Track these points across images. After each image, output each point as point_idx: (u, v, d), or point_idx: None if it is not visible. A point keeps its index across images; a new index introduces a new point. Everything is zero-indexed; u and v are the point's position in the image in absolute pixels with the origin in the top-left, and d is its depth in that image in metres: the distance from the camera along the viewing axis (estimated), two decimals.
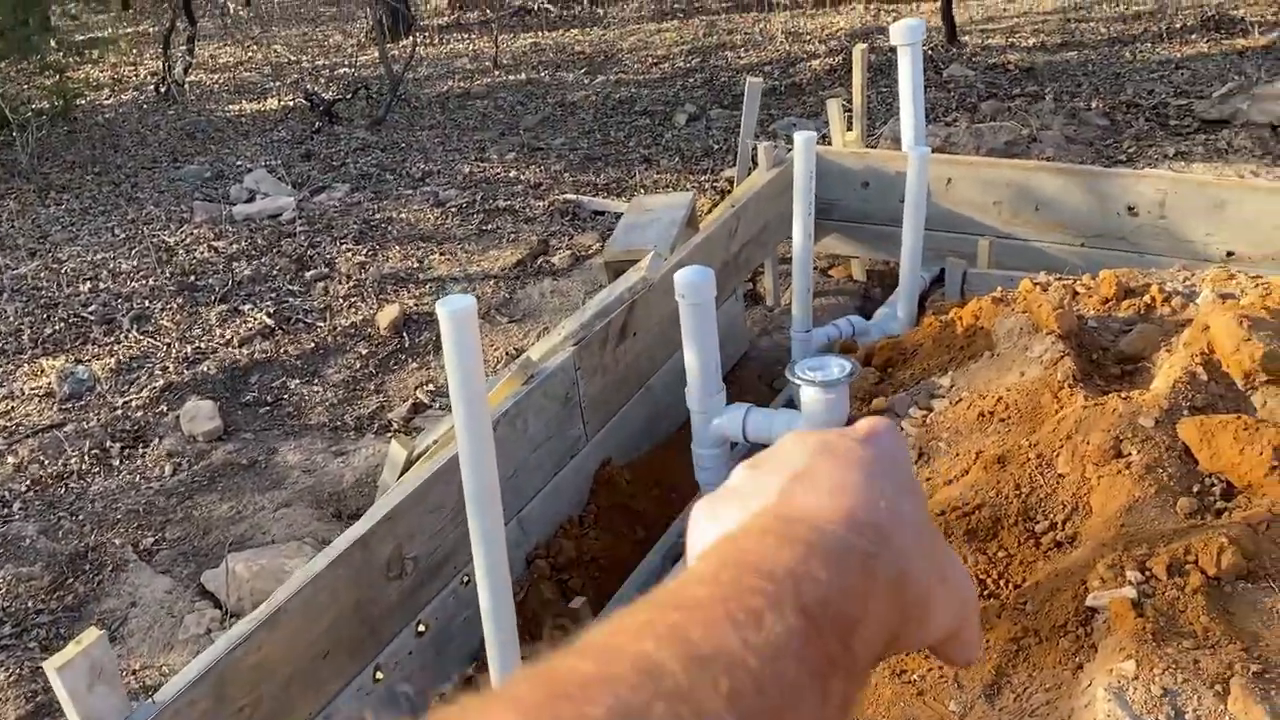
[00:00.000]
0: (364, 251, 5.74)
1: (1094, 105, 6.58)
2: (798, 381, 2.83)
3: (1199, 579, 1.95)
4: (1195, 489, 2.21)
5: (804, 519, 0.46)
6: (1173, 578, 1.97)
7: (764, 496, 0.49)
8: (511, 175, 6.71)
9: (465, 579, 2.77)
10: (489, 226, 5.91)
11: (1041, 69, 7.78)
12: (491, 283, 5.24)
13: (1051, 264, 4.46)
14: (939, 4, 8.78)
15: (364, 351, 4.79)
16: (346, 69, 10.15)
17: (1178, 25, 8.75)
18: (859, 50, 4.82)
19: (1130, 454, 2.26)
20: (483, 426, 1.92)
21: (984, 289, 4.11)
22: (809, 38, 9.53)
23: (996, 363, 2.80)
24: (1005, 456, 2.41)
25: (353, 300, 5.23)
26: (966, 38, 8.87)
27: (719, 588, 0.41)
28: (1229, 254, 4.14)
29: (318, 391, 4.56)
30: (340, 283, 5.42)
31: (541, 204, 6.11)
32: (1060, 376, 2.55)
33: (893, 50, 4.58)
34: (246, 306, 5.20)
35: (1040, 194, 4.38)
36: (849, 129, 4.94)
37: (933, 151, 5.90)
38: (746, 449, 3.36)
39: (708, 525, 0.51)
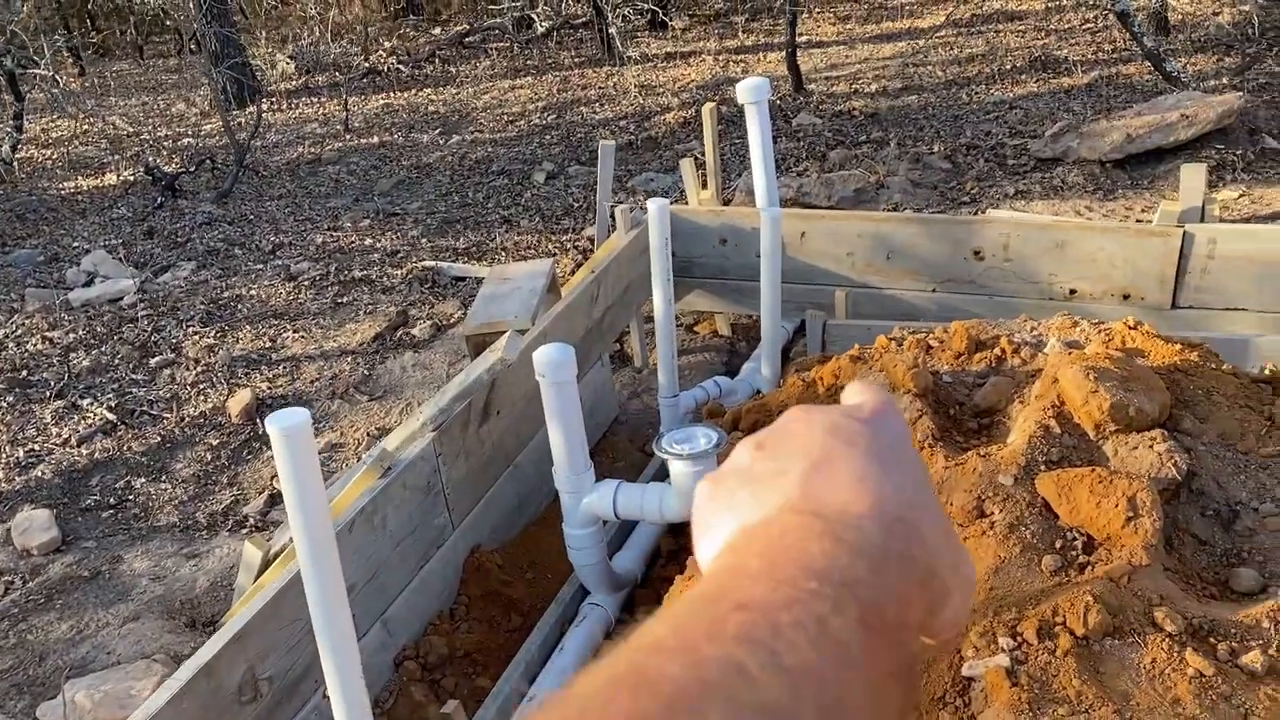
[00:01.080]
0: (212, 333, 5.47)
1: (936, 149, 6.82)
2: (665, 456, 2.78)
3: (1068, 640, 1.95)
4: (1058, 544, 2.23)
5: (838, 517, 0.45)
6: (1043, 641, 1.97)
7: (782, 485, 0.48)
8: (367, 243, 6.53)
9: (327, 694, 2.59)
10: (345, 299, 5.72)
11: (885, 114, 8.06)
12: (349, 359, 5.04)
13: (907, 310, 4.57)
14: (784, 54, 9.03)
15: (215, 442, 4.53)
16: (190, 140, 9.78)
17: (1008, 66, 9.21)
18: (708, 109, 4.86)
19: (993, 513, 2.27)
20: (326, 551, 1.78)
21: (844, 339, 4.18)
22: (662, 90, 9.66)
23: None
24: None
25: (201, 387, 4.96)
26: (813, 86, 9.13)
27: (777, 589, 0.40)
28: (1072, 291, 4.31)
29: (166, 489, 4.28)
30: (187, 369, 5.14)
31: (399, 272, 5.96)
32: (920, 436, 2.56)
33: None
34: (85, 401, 4.87)
35: (891, 243, 4.49)
36: (704, 186, 4.97)
37: (788, 201, 6.02)
38: (618, 524, 3.29)
39: (720, 511, 0.50)
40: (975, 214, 5.74)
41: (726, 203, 6.10)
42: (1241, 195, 5.80)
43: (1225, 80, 7.87)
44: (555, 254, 5.96)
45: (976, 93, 8.50)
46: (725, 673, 0.36)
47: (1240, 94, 6.60)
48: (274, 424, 1.74)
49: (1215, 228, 4.06)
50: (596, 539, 3.00)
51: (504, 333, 3.69)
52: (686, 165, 4.77)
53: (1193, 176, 4.04)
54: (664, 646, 0.38)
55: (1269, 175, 6.08)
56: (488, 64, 11.74)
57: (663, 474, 2.97)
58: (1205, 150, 6.23)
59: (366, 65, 11.74)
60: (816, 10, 12.65)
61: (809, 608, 0.39)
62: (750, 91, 4.70)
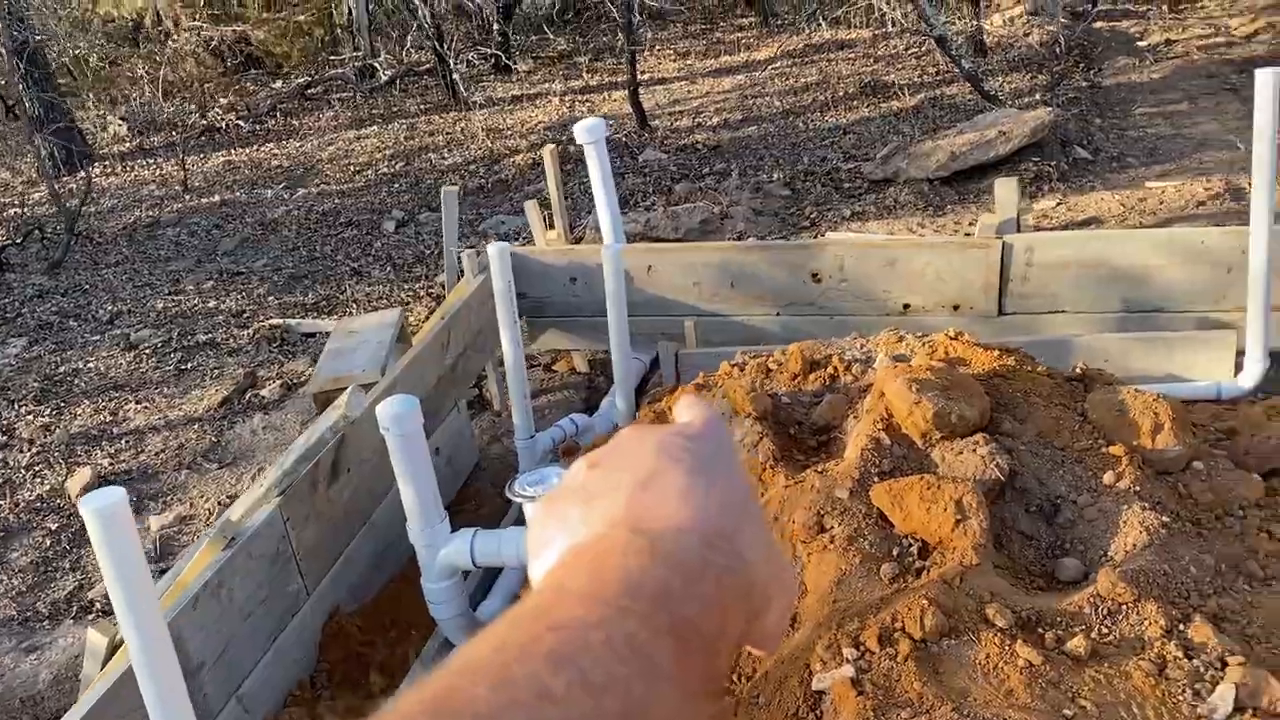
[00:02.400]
0: (47, 411, 5.19)
1: (776, 177, 7.05)
2: (517, 499, 2.77)
3: (908, 645, 2.02)
4: (895, 552, 2.32)
5: (660, 533, 0.46)
6: (885, 648, 2.04)
7: (611, 503, 0.49)
8: (211, 305, 6.32)
9: None
10: (189, 365, 5.52)
11: (727, 146, 8.28)
12: (196, 427, 4.86)
13: (755, 335, 4.69)
14: (627, 93, 9.19)
15: (54, 526, 4.29)
16: (16, 210, 9.30)
17: (841, 93, 9.60)
18: (548, 152, 4.92)
19: (832, 527, 2.35)
20: (154, 634, 1.72)
21: (696, 367, 4.24)
22: (510, 133, 9.70)
23: None
24: None
25: (37, 469, 4.70)
26: (657, 122, 9.32)
27: (592, 608, 0.41)
28: (906, 306, 4.50)
29: (1, 580, 4.03)
30: (21, 451, 4.87)
31: (246, 333, 5.79)
32: (762, 458, 2.63)
33: None
34: None
35: (733, 271, 4.60)
36: (551, 227, 5.01)
37: (636, 236, 6.11)
38: (482, 573, 3.26)
39: (553, 528, 0.51)
40: (815, 237, 5.94)
41: (579, 240, 6.16)
42: (1059, 203, 6.18)
43: (1038, 96, 8.39)
44: (408, 302, 5.90)
45: (812, 120, 8.82)
46: (530, 692, 0.37)
47: (1050, 109, 7.05)
48: (87, 505, 1.67)
49: (1031, 237, 4.31)
50: (456, 591, 2.97)
51: (362, 385, 3.64)
52: (530, 208, 4.81)
53: (1006, 190, 4.29)
54: (478, 667, 0.39)
55: (1081, 183, 6.50)
56: (331, 115, 11.56)
57: (518, 527, 2.96)
58: (1023, 163, 6.62)
59: (204, 123, 11.41)
60: (658, 48, 12.93)
61: (620, 624, 0.41)
62: (587, 132, 4.78)
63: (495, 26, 12.08)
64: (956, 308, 4.43)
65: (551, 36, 13.50)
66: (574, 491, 0.53)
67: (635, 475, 0.51)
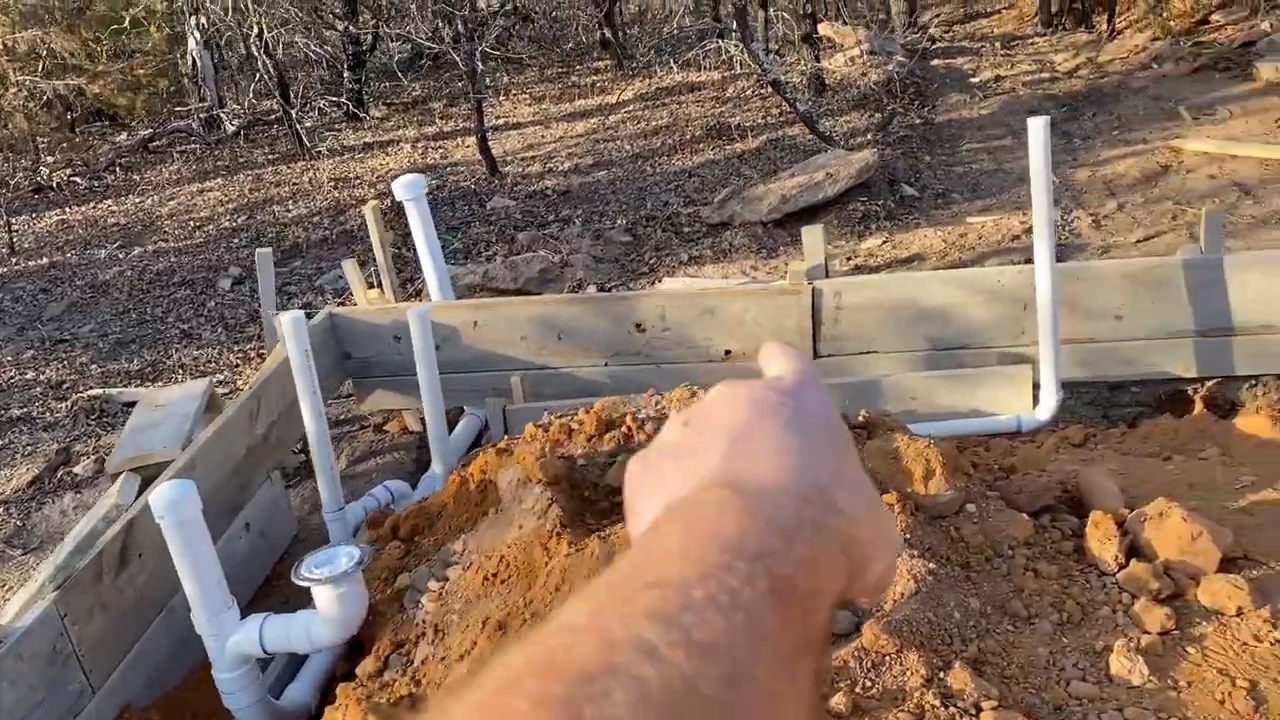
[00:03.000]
0: None
1: (619, 223, 7.12)
2: (303, 583, 2.69)
3: None
4: None
5: (756, 490, 0.46)
6: None
7: (706, 460, 0.49)
8: (28, 377, 6.01)
9: None
10: None
11: (577, 191, 8.33)
12: (0, 510, 4.60)
13: (584, 387, 4.69)
14: (476, 139, 9.18)
15: None
16: None
17: (688, 136, 9.77)
18: (369, 209, 4.85)
19: None
20: None
21: (525, 422, 4.22)
22: (359, 182, 9.56)
23: (501, 518, 2.83)
24: (506, 621, 2.41)
25: None
26: (509, 168, 9.32)
27: (691, 565, 0.41)
28: (727, 352, 4.58)
29: None
30: None
31: (63, 405, 5.52)
32: (550, 526, 2.62)
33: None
34: None
35: (559, 324, 4.61)
36: (373, 285, 4.94)
37: (475, 287, 6.08)
38: (282, 660, 3.15)
39: (651, 486, 0.51)
40: (653, 283, 6.01)
41: (417, 294, 6.10)
42: (885, 241, 6.40)
43: (870, 136, 8.70)
44: (238, 365, 5.72)
45: (660, 163, 8.95)
46: (634, 651, 0.36)
47: (875, 150, 7.31)
48: None
49: (839, 281, 4.44)
50: (250, 679, 2.86)
51: (161, 463, 3.50)
52: (349, 267, 4.73)
53: (813, 237, 4.41)
54: (576, 626, 0.38)
55: (907, 220, 6.75)
56: (175, 168, 11.21)
57: (309, 609, 2.87)
58: (852, 203, 6.84)
59: (36, 181, 10.91)
60: (514, 92, 12.97)
61: (722, 582, 0.40)
62: (406, 189, 4.74)
63: (346, 74, 11.95)
64: None
65: (406, 82, 13.41)
66: (668, 450, 0.52)
67: (730, 432, 0.50)
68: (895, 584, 2.42)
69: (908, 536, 2.53)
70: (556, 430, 3.13)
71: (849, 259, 6.26)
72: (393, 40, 13.74)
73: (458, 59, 9.03)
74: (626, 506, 0.54)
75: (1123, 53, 11.89)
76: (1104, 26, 13.41)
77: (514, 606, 2.44)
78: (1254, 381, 4.26)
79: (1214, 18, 12.92)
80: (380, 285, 4.97)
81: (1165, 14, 12.95)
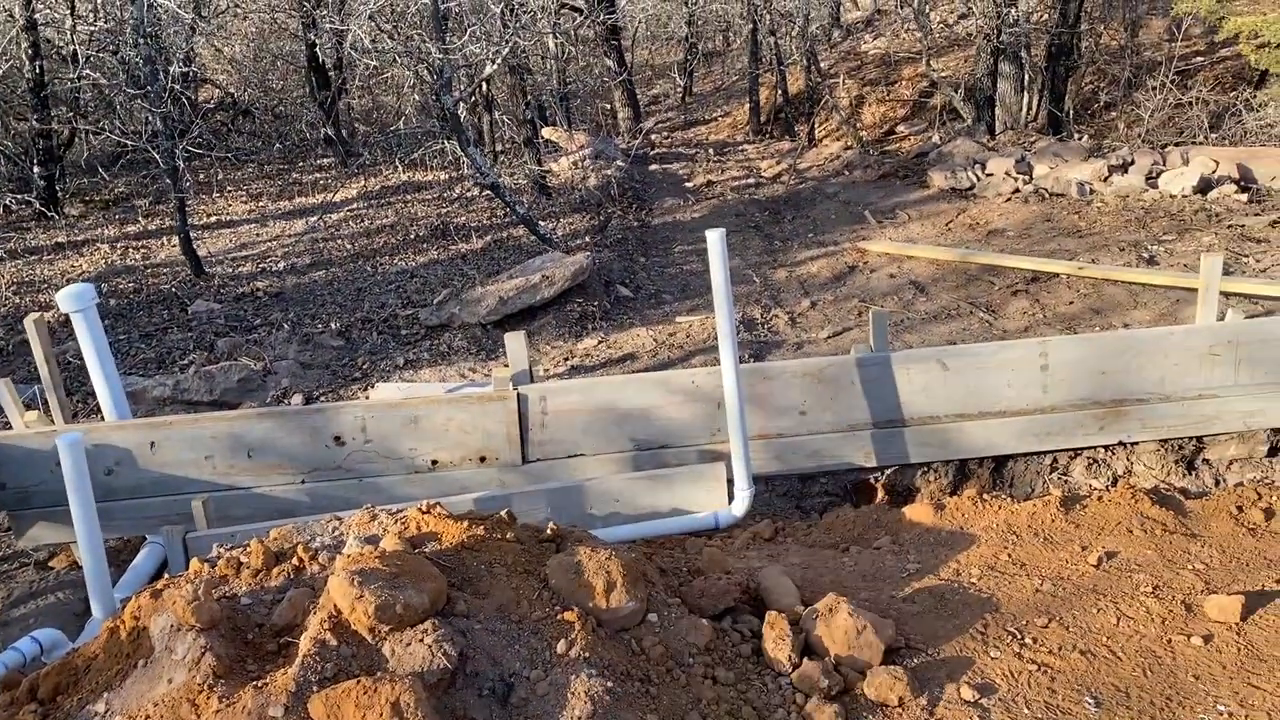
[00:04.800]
0: None
1: (333, 326, 6.86)
2: None
3: None
4: None
5: None
6: None
7: None
8: None
9: None
10: None
11: (290, 293, 7.98)
12: None
13: (281, 506, 4.41)
14: (180, 239, 8.64)
15: None
16: None
17: (413, 236, 9.65)
18: (30, 322, 4.40)
19: None
20: None
21: (210, 549, 3.90)
22: (45, 286, 8.73)
23: (150, 671, 2.54)
24: None
25: None
26: (217, 269, 8.82)
27: None
28: (434, 462, 4.45)
29: None
30: None
31: None
32: (200, 679, 2.38)
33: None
34: None
35: (249, 440, 4.33)
36: (34, 406, 4.46)
37: (165, 400, 5.63)
38: None
39: None
40: (366, 389, 5.80)
41: (98, 412, 5.56)
42: (600, 341, 6.52)
43: (590, 238, 8.93)
44: None
45: (381, 264, 8.77)
46: None
47: (589, 253, 7.50)
48: None
49: (544, 386, 4.45)
50: None
51: None
52: (4, 386, 4.24)
53: (516, 344, 4.41)
54: None
55: (622, 320, 6.92)
56: None
57: None
58: (569, 304, 6.95)
59: None
60: (230, 189, 12.40)
61: None
62: (73, 300, 4.35)
63: (36, 169, 10.99)
64: (484, 459, 4.44)
65: (108, 179, 12.52)
66: None
67: None
68: (573, 708, 2.37)
69: (587, 655, 2.49)
70: (224, 565, 2.89)
71: (566, 359, 6.32)
72: (90, 135, 12.86)
73: (157, 156, 8.52)
74: None
75: (820, 160, 12.99)
76: (804, 136, 14.61)
77: None
78: (926, 468, 4.62)
79: (899, 129, 14.41)
80: (44, 406, 4.49)
81: (857, 125, 14.30)
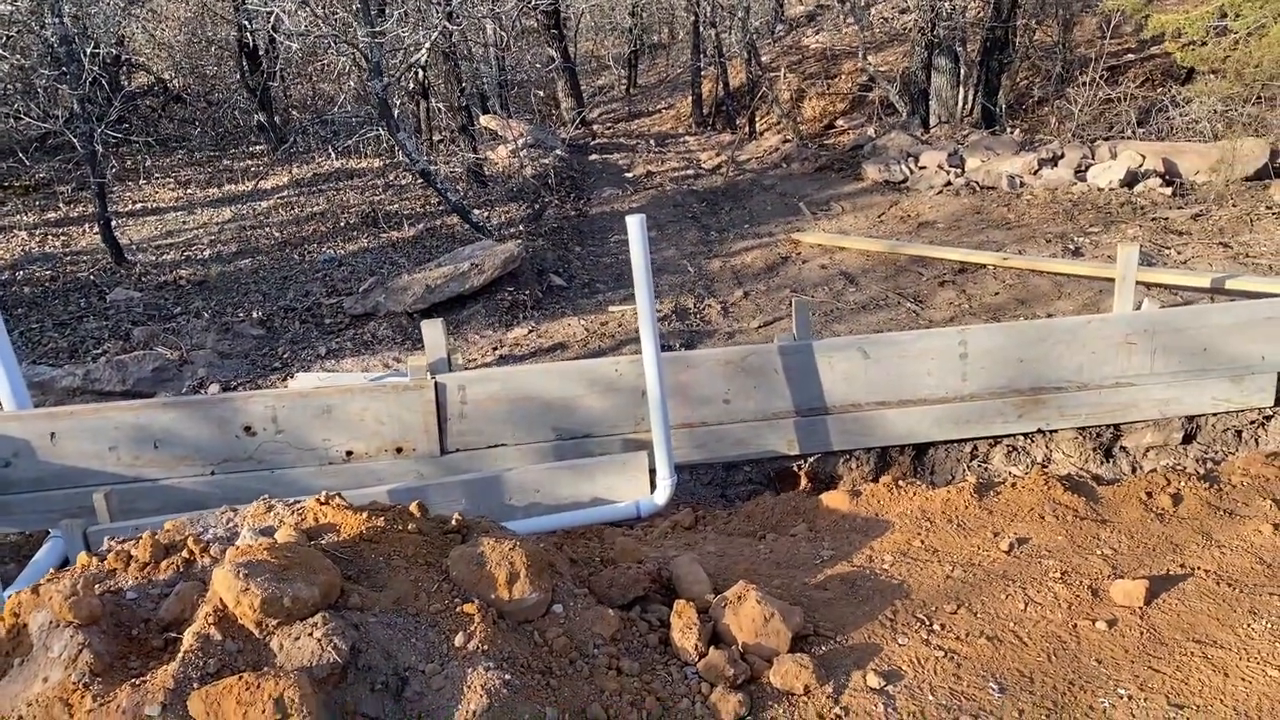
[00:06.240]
0: None
1: (254, 315, 6.70)
2: None
3: None
4: None
5: None
6: None
7: None
8: None
9: None
10: None
11: (214, 281, 7.79)
12: None
13: (190, 499, 4.27)
14: (100, 226, 8.38)
15: None
16: None
17: (344, 224, 9.47)
18: None
19: None
20: None
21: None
22: None
23: (27, 669, 2.43)
24: None
25: None
26: (140, 256, 8.58)
27: None
28: (349, 453, 4.34)
29: None
30: None
31: None
32: (76, 677, 2.27)
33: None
34: None
35: (154, 431, 4.19)
36: None
37: (74, 390, 5.44)
38: None
39: None
40: (285, 379, 5.66)
41: None
42: (530, 331, 6.44)
43: (524, 227, 8.83)
44: None
45: (310, 252, 8.59)
46: None
47: (521, 242, 7.41)
48: None
49: (462, 375, 4.36)
50: None
51: None
52: None
53: (433, 331, 4.31)
54: None
55: (554, 310, 6.85)
56: None
57: None
58: (500, 293, 6.85)
59: None
60: (158, 176, 12.08)
61: None
62: None
63: None
64: (400, 450, 4.35)
65: (29, 164, 12.14)
66: None
67: None
68: (469, 701, 2.30)
69: (486, 648, 2.43)
70: (113, 559, 2.78)
71: (495, 349, 6.22)
72: (11, 118, 12.44)
73: (74, 140, 8.24)
74: None
75: (759, 153, 12.99)
76: (745, 129, 14.62)
77: None
78: (848, 456, 4.62)
79: (839, 123, 14.49)
80: None
81: (797, 119, 14.35)
